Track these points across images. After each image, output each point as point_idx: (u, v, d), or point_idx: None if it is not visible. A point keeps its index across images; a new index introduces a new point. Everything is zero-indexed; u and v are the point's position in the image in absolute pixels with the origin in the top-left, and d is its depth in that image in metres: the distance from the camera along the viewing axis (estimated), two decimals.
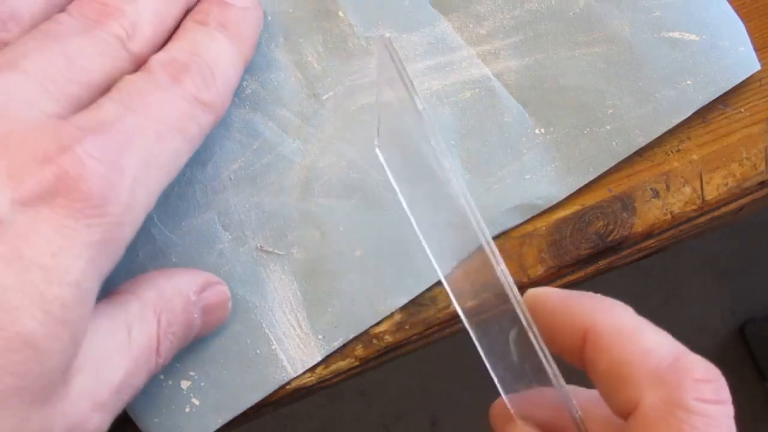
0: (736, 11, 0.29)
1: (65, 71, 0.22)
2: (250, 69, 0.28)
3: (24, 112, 0.21)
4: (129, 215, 0.21)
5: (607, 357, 0.20)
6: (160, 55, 0.24)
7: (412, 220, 0.27)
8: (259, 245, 0.28)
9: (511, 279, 0.22)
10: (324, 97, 0.28)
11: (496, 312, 0.23)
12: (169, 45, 0.24)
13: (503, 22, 0.29)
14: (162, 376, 0.27)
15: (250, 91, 0.28)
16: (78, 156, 0.20)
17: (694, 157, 0.29)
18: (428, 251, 0.27)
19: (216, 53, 0.24)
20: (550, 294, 0.22)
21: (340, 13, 0.29)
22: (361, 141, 0.28)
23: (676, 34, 0.29)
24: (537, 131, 0.29)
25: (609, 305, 0.21)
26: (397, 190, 0.27)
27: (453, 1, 0.29)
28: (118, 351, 0.23)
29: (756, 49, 0.29)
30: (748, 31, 0.29)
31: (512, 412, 0.24)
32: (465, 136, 0.29)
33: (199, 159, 0.28)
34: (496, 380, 0.24)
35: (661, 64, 0.29)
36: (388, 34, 0.28)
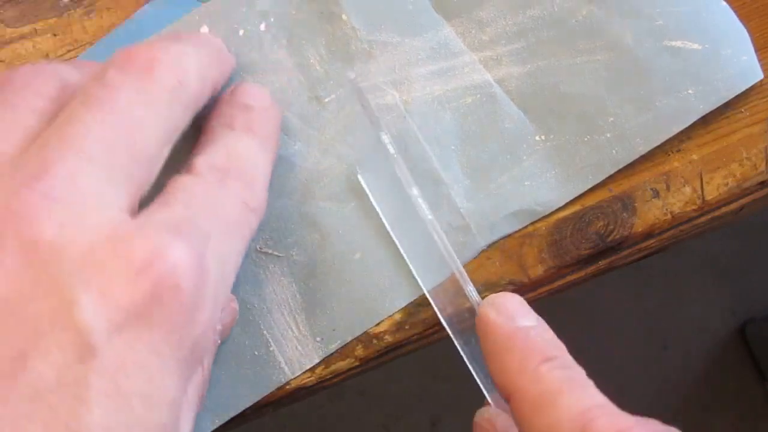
0: (736, 12, 0.29)
1: (128, 150, 0.20)
2: (252, 70, 0.28)
3: (101, 215, 0.19)
4: (212, 320, 0.20)
5: (523, 427, 0.21)
6: (202, 159, 0.23)
7: (395, 239, 0.28)
8: (258, 247, 0.28)
9: (478, 298, 0.26)
10: (326, 100, 0.28)
11: (473, 323, 0.25)
12: (205, 149, 0.24)
13: (506, 28, 0.29)
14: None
15: None
16: (171, 263, 0.19)
17: (695, 157, 0.29)
18: (411, 266, 0.28)
19: (249, 157, 0.24)
20: (497, 326, 0.23)
21: (344, 16, 0.29)
22: (363, 144, 0.28)
23: (679, 43, 0.29)
24: (537, 138, 0.29)
25: (537, 363, 0.22)
26: (380, 213, 0.28)
27: (456, 6, 0.29)
28: (187, 411, 0.22)
29: (756, 50, 0.29)
30: (752, 37, 0.29)
31: (493, 407, 0.25)
32: (465, 142, 0.29)
33: None
34: (480, 385, 0.26)
35: (662, 73, 0.29)
36: (353, 75, 0.28)
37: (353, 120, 0.28)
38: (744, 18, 0.29)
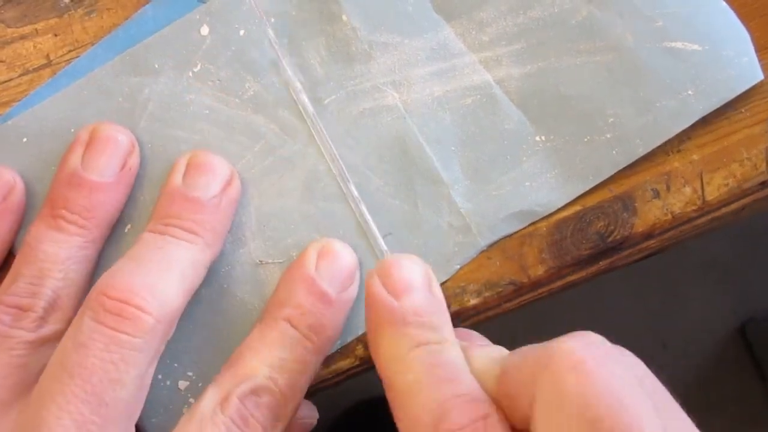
0: (737, 12, 0.29)
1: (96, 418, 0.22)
2: (252, 70, 0.28)
3: None
4: None
5: (394, 417, 0.22)
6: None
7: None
8: (259, 260, 0.28)
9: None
10: (326, 101, 0.28)
11: None
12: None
13: (506, 29, 0.29)
14: (160, 376, 0.27)
15: (252, 92, 0.28)
16: None
17: (695, 157, 0.29)
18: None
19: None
20: (377, 300, 0.23)
21: (344, 17, 0.29)
22: (362, 145, 0.28)
23: (679, 44, 0.28)
24: (537, 138, 0.29)
25: (407, 350, 0.22)
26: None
27: (456, 7, 0.29)
28: None
29: (757, 50, 0.29)
30: (752, 38, 0.29)
31: None
32: (465, 143, 0.29)
33: None
34: None
35: (662, 74, 0.28)
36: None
37: (353, 121, 0.28)
38: (745, 18, 0.29)
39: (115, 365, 0.22)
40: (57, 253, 0.25)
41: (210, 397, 0.24)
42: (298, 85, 0.28)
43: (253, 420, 0.24)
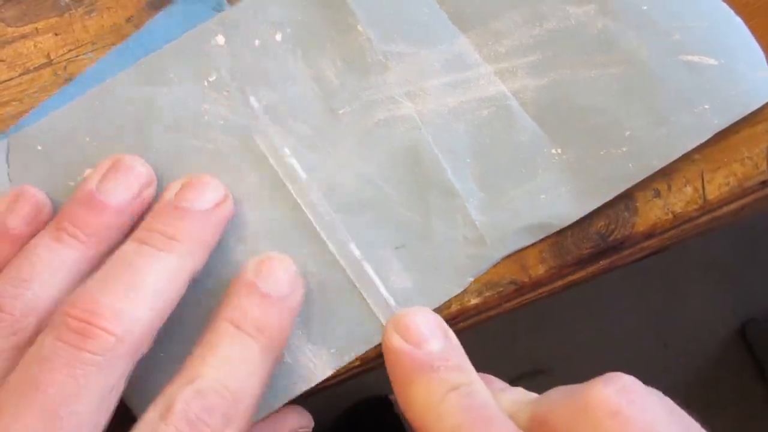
0: (740, 10, 0.29)
1: None
2: (267, 81, 0.28)
3: None
4: None
5: None
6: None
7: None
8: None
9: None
10: (340, 112, 0.28)
11: None
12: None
13: (522, 40, 0.29)
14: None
15: (266, 102, 0.28)
16: None
17: (696, 156, 0.29)
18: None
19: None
20: (400, 355, 0.23)
21: (359, 27, 0.28)
22: (377, 157, 0.28)
23: (695, 58, 0.28)
24: (553, 151, 0.28)
25: (440, 396, 0.22)
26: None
27: (472, 17, 0.29)
28: None
29: (763, 48, 0.29)
30: (755, 36, 0.29)
31: None
32: (480, 154, 0.28)
33: (215, 170, 0.28)
34: None
35: (678, 88, 0.28)
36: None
37: (368, 132, 0.28)
38: (748, 16, 0.29)
39: (75, 380, 0.22)
40: (51, 261, 0.25)
41: (155, 407, 0.24)
42: (313, 96, 0.28)
43: (202, 423, 0.23)
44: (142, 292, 0.24)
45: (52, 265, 0.25)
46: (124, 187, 0.26)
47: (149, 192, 0.27)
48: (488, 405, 0.21)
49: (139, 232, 0.26)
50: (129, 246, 0.25)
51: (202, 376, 0.24)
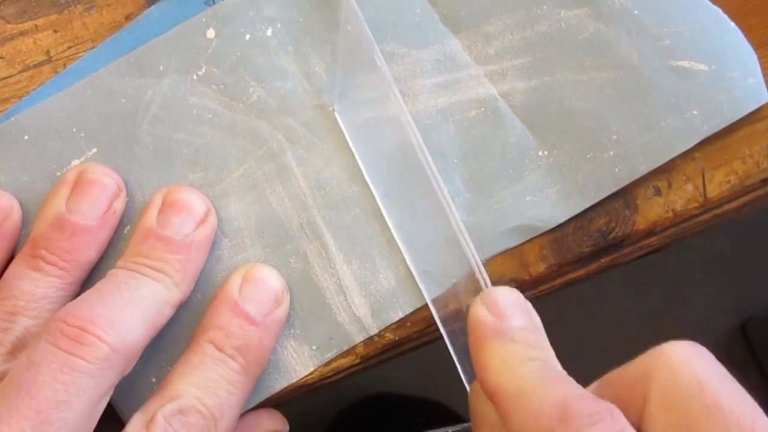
0: (738, 10, 0.29)
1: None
2: (257, 75, 0.28)
3: None
4: None
5: (507, 423, 0.21)
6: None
7: (401, 245, 0.28)
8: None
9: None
10: (329, 109, 0.28)
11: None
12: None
13: (512, 42, 0.29)
14: (154, 379, 0.27)
15: (256, 98, 0.28)
16: None
17: (696, 154, 0.29)
18: (415, 275, 0.28)
19: None
20: (484, 324, 0.23)
21: (350, 27, 0.28)
22: (364, 155, 0.28)
23: (685, 63, 0.28)
24: (540, 153, 0.28)
25: (518, 362, 0.22)
26: (362, 166, 0.28)
27: (463, 19, 0.29)
28: None
29: (756, 47, 0.29)
30: (754, 35, 0.29)
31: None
32: (468, 155, 0.28)
33: (202, 164, 0.28)
34: (466, 384, 0.26)
35: (668, 93, 0.28)
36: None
37: (356, 130, 0.28)
38: (746, 15, 0.29)
39: (66, 386, 0.22)
40: (33, 292, 0.25)
41: (135, 423, 0.24)
42: (303, 92, 0.28)
43: None
44: (135, 310, 0.24)
45: (35, 295, 0.25)
46: (94, 203, 0.26)
47: (119, 204, 0.27)
48: (564, 374, 0.22)
49: (126, 263, 0.26)
50: (119, 272, 0.26)
51: (184, 395, 0.24)
